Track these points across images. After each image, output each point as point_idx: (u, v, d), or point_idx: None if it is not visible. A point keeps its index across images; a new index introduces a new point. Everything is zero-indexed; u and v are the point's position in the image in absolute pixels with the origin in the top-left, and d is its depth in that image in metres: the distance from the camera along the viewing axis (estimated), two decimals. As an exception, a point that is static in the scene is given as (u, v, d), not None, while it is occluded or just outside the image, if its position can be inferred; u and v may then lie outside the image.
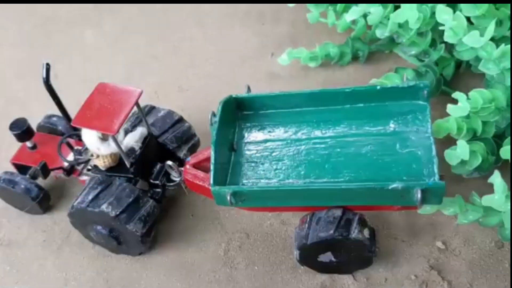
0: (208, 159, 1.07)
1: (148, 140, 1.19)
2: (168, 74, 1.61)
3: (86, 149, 1.19)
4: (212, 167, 0.98)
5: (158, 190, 1.20)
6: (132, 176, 1.17)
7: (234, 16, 1.78)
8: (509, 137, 1.06)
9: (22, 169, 1.28)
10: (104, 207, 1.09)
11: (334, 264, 1.08)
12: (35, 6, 1.92)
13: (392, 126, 1.05)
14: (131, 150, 1.16)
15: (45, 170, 1.23)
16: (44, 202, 1.27)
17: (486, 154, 1.11)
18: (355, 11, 1.32)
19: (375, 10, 1.27)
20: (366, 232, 1.00)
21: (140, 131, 1.18)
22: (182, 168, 1.16)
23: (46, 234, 1.28)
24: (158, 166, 1.21)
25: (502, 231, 1.06)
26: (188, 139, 1.26)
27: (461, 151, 1.05)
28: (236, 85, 1.33)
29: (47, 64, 1.12)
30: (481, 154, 1.08)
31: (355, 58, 1.54)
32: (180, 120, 1.28)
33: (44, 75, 1.12)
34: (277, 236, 1.21)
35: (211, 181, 0.97)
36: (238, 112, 1.13)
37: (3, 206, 1.32)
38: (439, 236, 1.17)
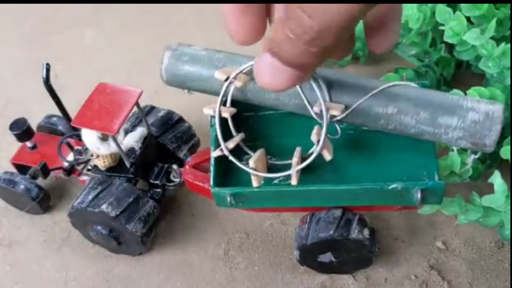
0: (208, 160, 1.07)
1: (148, 140, 1.19)
2: (168, 74, 1.61)
3: (86, 149, 1.19)
4: (212, 168, 0.98)
5: (158, 190, 1.20)
6: (132, 176, 1.17)
7: (234, 16, 1.78)
8: (509, 137, 1.06)
9: (22, 169, 1.27)
10: (104, 207, 1.09)
11: (334, 264, 1.08)
12: (35, 6, 1.92)
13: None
14: (131, 150, 1.16)
15: (45, 170, 1.23)
16: (44, 202, 1.27)
17: (476, 164, 1.10)
18: (355, 11, 1.31)
19: (375, 10, 1.27)
20: (366, 232, 1.00)
21: (140, 131, 1.18)
22: (182, 169, 1.16)
23: (46, 234, 1.28)
24: (158, 166, 1.21)
25: (502, 231, 1.05)
26: (188, 139, 1.26)
27: (452, 163, 1.04)
28: (236, 85, 1.33)
29: (47, 64, 1.12)
30: (472, 166, 1.07)
31: (355, 58, 1.54)
32: (180, 120, 1.28)
33: (44, 75, 1.12)
34: (277, 236, 1.21)
35: (211, 182, 0.97)
36: (238, 113, 1.13)
37: (3, 206, 1.32)
38: (439, 236, 1.17)
